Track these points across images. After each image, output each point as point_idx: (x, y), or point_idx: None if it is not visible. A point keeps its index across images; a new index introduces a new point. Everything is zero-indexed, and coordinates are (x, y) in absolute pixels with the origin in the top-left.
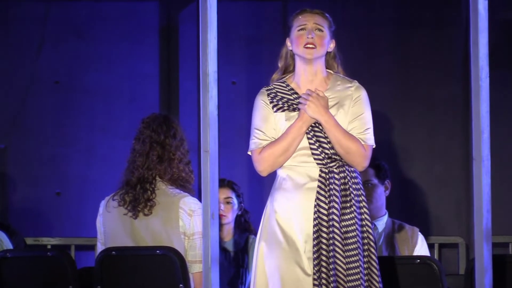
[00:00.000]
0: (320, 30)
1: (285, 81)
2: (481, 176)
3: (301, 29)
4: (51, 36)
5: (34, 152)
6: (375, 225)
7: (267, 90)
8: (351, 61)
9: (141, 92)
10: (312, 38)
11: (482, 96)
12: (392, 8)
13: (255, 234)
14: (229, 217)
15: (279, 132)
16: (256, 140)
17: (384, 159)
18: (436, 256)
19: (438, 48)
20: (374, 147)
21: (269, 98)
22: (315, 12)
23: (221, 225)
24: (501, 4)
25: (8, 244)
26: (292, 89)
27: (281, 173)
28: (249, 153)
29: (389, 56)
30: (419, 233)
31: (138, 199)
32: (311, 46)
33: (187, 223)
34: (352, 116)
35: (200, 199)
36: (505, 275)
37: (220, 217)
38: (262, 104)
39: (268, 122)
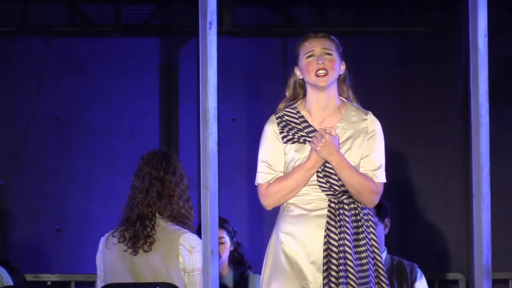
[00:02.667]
0: (329, 54)
1: (296, 108)
2: (481, 213)
3: (310, 56)
4: (52, 72)
5: (34, 188)
6: None
7: (277, 118)
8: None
9: (141, 128)
10: (322, 63)
11: (482, 133)
12: (392, 44)
13: (250, 268)
14: (224, 257)
15: (288, 162)
16: (263, 174)
17: (384, 196)
18: None
19: (438, 84)
20: (385, 182)
21: (279, 127)
22: (320, 36)
23: None
24: (500, 41)
25: (8, 280)
26: (303, 117)
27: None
28: (255, 184)
29: (389, 92)
30: (418, 269)
31: (138, 235)
32: (322, 73)
33: (187, 259)
34: (366, 151)
35: (200, 236)
36: None
37: None
38: (271, 135)
39: (277, 154)
